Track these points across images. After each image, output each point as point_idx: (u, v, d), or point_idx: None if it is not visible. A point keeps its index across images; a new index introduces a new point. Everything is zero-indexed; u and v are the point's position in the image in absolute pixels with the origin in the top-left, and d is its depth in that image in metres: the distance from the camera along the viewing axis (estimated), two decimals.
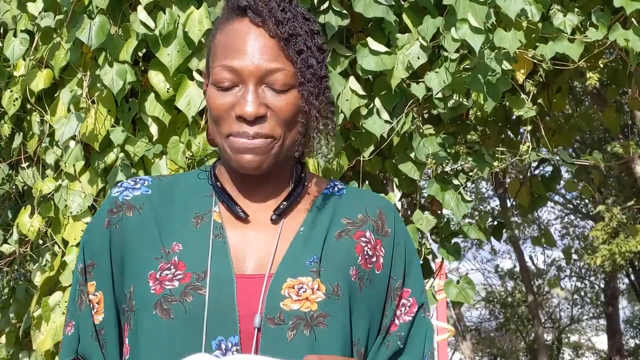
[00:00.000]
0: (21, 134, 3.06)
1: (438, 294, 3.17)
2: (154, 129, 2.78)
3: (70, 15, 2.77)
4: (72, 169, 2.82)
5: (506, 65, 2.64)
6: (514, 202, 3.74)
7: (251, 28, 1.23)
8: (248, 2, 1.24)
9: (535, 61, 2.81)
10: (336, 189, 1.37)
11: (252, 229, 1.28)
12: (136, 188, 1.33)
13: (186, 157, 2.68)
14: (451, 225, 2.85)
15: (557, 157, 2.98)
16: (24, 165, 3.04)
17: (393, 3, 2.67)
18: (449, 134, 2.85)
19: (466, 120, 3.14)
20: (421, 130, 2.78)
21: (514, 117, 3.49)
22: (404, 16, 2.74)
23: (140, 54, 2.82)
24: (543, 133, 3.11)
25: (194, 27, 2.65)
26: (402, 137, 2.81)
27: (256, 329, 1.19)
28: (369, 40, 2.68)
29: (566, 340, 23.00)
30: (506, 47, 2.60)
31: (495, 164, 2.85)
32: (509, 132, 3.63)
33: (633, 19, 2.74)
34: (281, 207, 1.29)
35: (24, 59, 2.91)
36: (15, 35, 2.91)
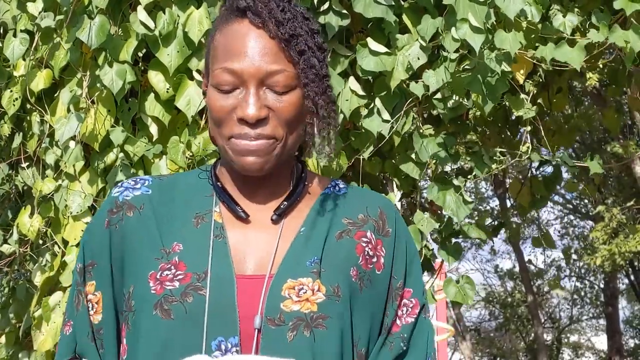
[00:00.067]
0: (21, 134, 3.06)
1: (437, 294, 3.17)
2: (153, 129, 2.78)
3: (70, 15, 2.77)
4: (72, 169, 2.82)
5: (505, 67, 2.64)
6: (514, 203, 3.74)
7: (251, 29, 1.22)
8: (247, 3, 1.23)
9: (534, 62, 2.81)
10: (337, 188, 1.37)
11: (253, 229, 1.27)
12: (136, 188, 1.33)
13: (186, 157, 2.68)
14: (453, 225, 2.84)
15: (558, 159, 2.97)
16: (24, 165, 3.04)
17: (393, 3, 2.67)
18: (449, 134, 2.85)
19: (466, 121, 3.14)
20: (421, 131, 2.78)
21: (513, 118, 3.49)
22: (404, 16, 2.74)
23: (140, 54, 2.82)
24: (543, 134, 3.11)
25: (193, 27, 2.65)
26: (402, 138, 2.81)
27: (256, 330, 1.19)
28: (369, 40, 2.68)
29: (566, 340, 23.00)
30: (507, 48, 2.60)
31: (494, 166, 2.85)
32: (509, 133, 3.63)
33: (632, 20, 2.74)
34: (282, 207, 1.29)
35: (24, 59, 2.91)
36: (15, 35, 2.91)
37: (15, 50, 2.89)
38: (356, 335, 1.25)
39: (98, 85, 2.75)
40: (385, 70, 2.68)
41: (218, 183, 1.31)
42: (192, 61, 2.71)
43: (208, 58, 1.29)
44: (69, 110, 2.80)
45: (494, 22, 2.64)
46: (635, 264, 16.18)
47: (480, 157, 2.86)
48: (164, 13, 2.68)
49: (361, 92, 2.72)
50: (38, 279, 2.88)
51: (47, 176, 2.89)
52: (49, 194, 2.86)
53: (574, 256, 18.80)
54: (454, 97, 2.78)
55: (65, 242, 2.81)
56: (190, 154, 2.68)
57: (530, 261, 19.63)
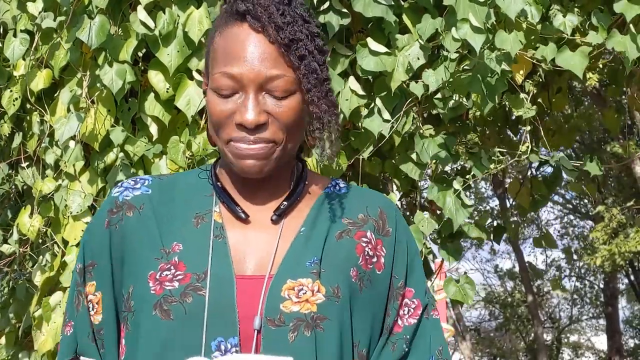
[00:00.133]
0: (21, 133, 3.06)
1: (437, 293, 3.17)
2: (153, 129, 2.78)
3: (71, 15, 2.77)
4: (72, 168, 2.82)
5: (505, 66, 2.64)
6: (513, 203, 3.74)
7: (250, 34, 1.21)
8: (247, 7, 1.22)
9: (534, 62, 2.81)
10: (337, 187, 1.36)
11: (253, 229, 1.27)
12: (136, 188, 1.33)
13: (186, 157, 2.68)
14: (452, 227, 2.84)
15: (557, 161, 2.97)
16: (24, 165, 3.04)
17: (392, 3, 2.67)
18: (449, 134, 2.85)
19: (466, 121, 3.14)
20: (421, 131, 2.78)
21: (513, 117, 3.49)
22: (404, 16, 2.74)
23: (140, 54, 2.82)
24: (542, 134, 3.10)
25: (193, 27, 2.65)
26: (402, 138, 2.81)
27: (256, 331, 1.18)
28: (369, 40, 2.68)
29: (566, 340, 23.00)
30: (507, 49, 2.60)
31: (492, 166, 2.85)
32: (509, 132, 3.63)
33: (631, 25, 2.74)
34: (281, 207, 1.28)
35: (24, 59, 2.91)
36: (15, 35, 2.91)
37: (16, 50, 2.89)
38: (356, 336, 1.25)
39: (98, 85, 2.75)
40: (386, 70, 2.68)
41: (218, 183, 1.31)
42: (192, 61, 2.71)
43: (208, 59, 1.29)
44: (68, 110, 2.80)
45: (494, 22, 2.64)
46: (635, 264, 16.18)
47: (480, 158, 2.86)
48: (164, 13, 2.68)
49: (361, 92, 2.72)
50: (38, 279, 2.88)
51: (47, 176, 2.89)
52: (49, 194, 2.86)
53: (574, 256, 18.79)
54: (454, 97, 2.78)
55: (65, 242, 2.80)
56: (190, 153, 2.68)
57: (530, 264, 19.62)
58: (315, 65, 1.22)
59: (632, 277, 17.35)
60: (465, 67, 2.71)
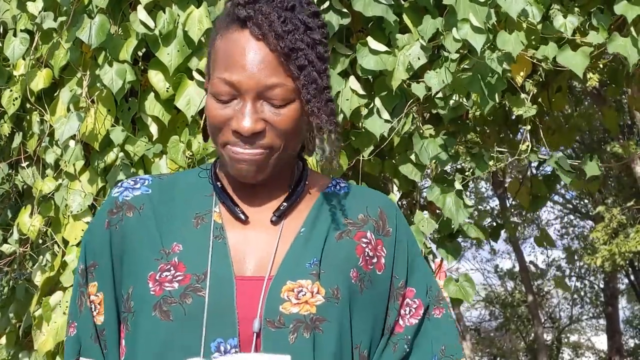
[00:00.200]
0: (21, 133, 3.06)
1: None
2: (153, 129, 2.78)
3: (71, 15, 2.77)
4: (72, 168, 2.82)
5: (505, 66, 2.64)
6: (513, 202, 3.75)
7: (251, 41, 1.20)
8: (248, 13, 1.20)
9: (534, 62, 2.81)
10: (338, 187, 1.36)
11: (253, 229, 1.27)
12: (136, 188, 1.32)
13: (186, 157, 2.68)
14: (452, 226, 2.84)
15: (555, 161, 2.97)
16: (24, 164, 3.04)
17: (392, 2, 2.67)
18: (449, 134, 2.85)
19: (466, 120, 3.14)
20: (421, 131, 2.78)
21: (513, 117, 3.49)
22: (404, 16, 2.74)
23: (140, 54, 2.82)
24: (542, 135, 3.11)
25: (193, 27, 2.65)
26: (402, 138, 2.81)
27: (255, 334, 1.18)
28: (369, 39, 2.68)
29: (566, 340, 22.98)
30: (509, 49, 2.60)
31: (491, 162, 2.85)
32: (509, 132, 3.63)
33: (632, 28, 2.74)
34: (281, 208, 1.28)
35: (24, 59, 2.91)
36: (15, 35, 2.91)
37: (16, 49, 2.89)
38: (357, 337, 1.25)
39: (98, 84, 2.75)
40: (386, 69, 2.68)
41: (218, 183, 1.31)
42: (192, 61, 2.71)
43: (209, 59, 1.28)
44: (68, 110, 2.80)
45: (495, 23, 2.64)
46: (636, 264, 16.17)
47: (480, 158, 2.86)
48: (164, 12, 2.68)
49: (361, 92, 2.72)
50: (38, 279, 2.88)
51: (47, 176, 2.89)
52: (49, 194, 2.86)
53: (574, 256, 18.79)
54: (454, 97, 2.78)
55: (66, 242, 2.80)
56: (190, 153, 2.68)
57: (532, 262, 19.61)
58: (315, 75, 1.20)
59: (632, 277, 17.34)
60: (465, 67, 2.71)
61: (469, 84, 2.68)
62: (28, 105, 2.97)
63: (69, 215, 2.78)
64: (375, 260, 1.29)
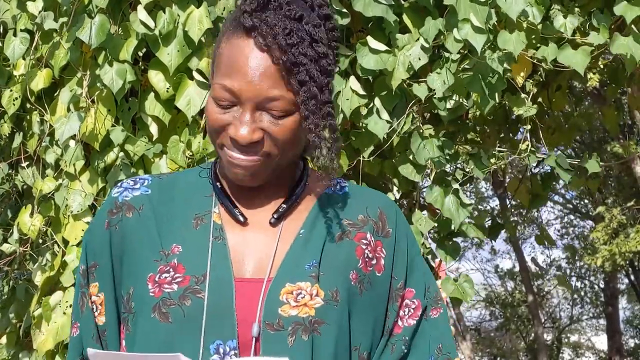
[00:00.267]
0: (21, 133, 3.06)
1: None
2: (153, 129, 2.78)
3: (71, 15, 2.77)
4: (72, 168, 2.82)
5: (506, 66, 2.64)
6: (513, 202, 3.75)
7: (254, 50, 1.19)
8: (254, 22, 1.19)
9: (535, 62, 2.81)
10: (338, 187, 1.35)
11: (252, 230, 1.27)
12: (135, 188, 1.32)
13: (186, 157, 2.68)
14: (452, 226, 2.84)
15: (555, 160, 2.97)
16: (24, 164, 3.04)
17: (392, 2, 2.67)
18: (449, 134, 2.85)
19: (466, 120, 3.14)
20: (421, 131, 2.78)
21: (513, 117, 3.49)
22: (404, 16, 2.74)
23: (140, 54, 2.82)
24: (541, 135, 3.11)
25: (194, 27, 2.65)
26: (402, 138, 2.81)
27: (254, 338, 1.18)
28: (369, 39, 2.68)
29: (566, 340, 22.98)
30: (510, 49, 2.60)
31: (492, 160, 2.85)
32: (509, 132, 3.63)
33: (633, 26, 2.74)
34: (280, 209, 1.28)
35: (24, 59, 2.91)
36: (15, 35, 2.92)
37: (16, 49, 2.89)
38: (356, 339, 1.25)
39: (98, 84, 2.75)
40: (386, 69, 2.68)
41: (217, 183, 1.30)
42: (192, 61, 2.71)
43: (214, 58, 1.27)
44: (69, 110, 2.80)
45: (495, 23, 2.64)
46: (636, 264, 16.17)
47: (480, 158, 2.86)
48: (164, 12, 2.68)
49: (361, 92, 2.72)
50: (38, 279, 2.88)
51: (47, 175, 2.89)
52: (49, 194, 2.86)
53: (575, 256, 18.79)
54: (454, 97, 2.78)
55: (66, 242, 2.80)
56: (190, 153, 2.68)
57: (533, 259, 19.60)
58: (315, 91, 1.18)
59: (632, 277, 17.33)
60: (465, 67, 2.71)
61: (470, 84, 2.68)
62: (28, 105, 2.97)
63: (69, 215, 2.78)
64: (374, 261, 1.29)
